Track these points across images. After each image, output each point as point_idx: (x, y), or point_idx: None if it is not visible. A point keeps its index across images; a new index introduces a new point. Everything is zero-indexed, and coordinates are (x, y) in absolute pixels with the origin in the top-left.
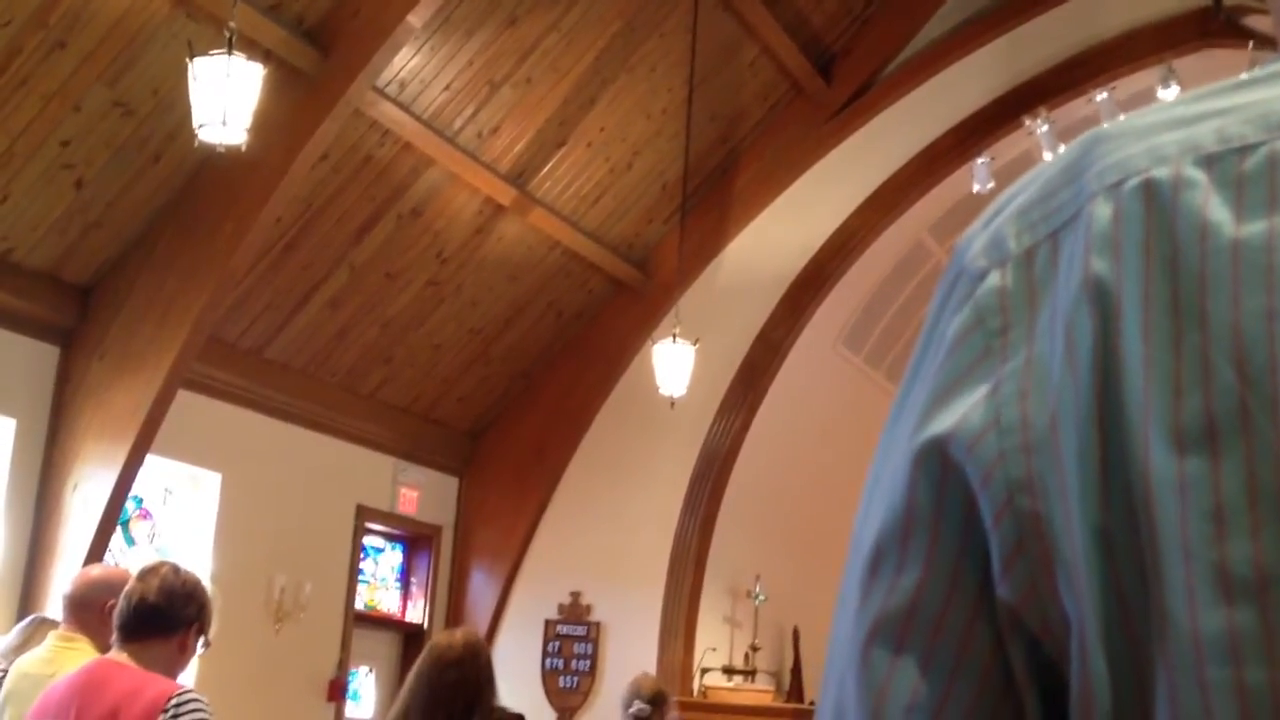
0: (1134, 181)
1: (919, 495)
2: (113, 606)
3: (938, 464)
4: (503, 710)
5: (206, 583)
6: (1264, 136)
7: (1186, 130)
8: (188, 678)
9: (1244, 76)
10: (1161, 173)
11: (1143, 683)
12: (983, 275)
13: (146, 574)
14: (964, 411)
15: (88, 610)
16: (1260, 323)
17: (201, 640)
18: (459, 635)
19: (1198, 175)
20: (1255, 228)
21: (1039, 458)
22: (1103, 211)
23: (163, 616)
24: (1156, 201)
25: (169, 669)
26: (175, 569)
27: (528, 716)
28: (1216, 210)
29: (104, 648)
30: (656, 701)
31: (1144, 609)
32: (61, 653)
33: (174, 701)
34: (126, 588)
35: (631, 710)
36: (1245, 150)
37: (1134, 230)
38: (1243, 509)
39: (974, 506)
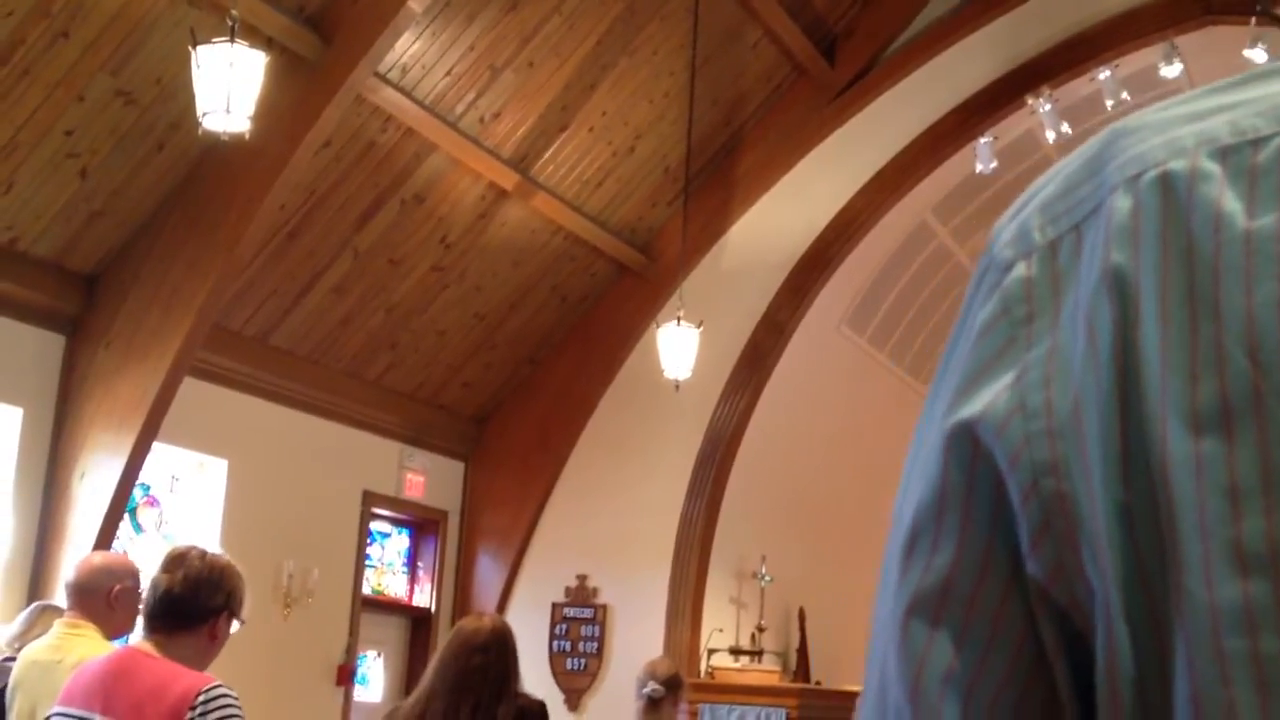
0: (1152, 174)
1: (951, 477)
2: (119, 592)
3: (968, 447)
4: (526, 696)
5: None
6: (1276, 129)
7: (1202, 124)
8: None
9: (1258, 70)
10: (1178, 165)
11: (1163, 651)
12: (1009, 266)
13: (173, 562)
14: (991, 397)
15: (92, 596)
16: (1272, 311)
17: (235, 622)
18: (487, 621)
19: (1212, 167)
20: (1267, 219)
21: (1063, 441)
22: (1122, 204)
23: (189, 607)
24: (1173, 194)
25: (198, 660)
26: (203, 555)
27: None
28: (1230, 202)
29: (109, 633)
30: (671, 684)
31: (1163, 582)
32: (68, 640)
33: (202, 697)
34: (153, 576)
35: (646, 690)
36: (1258, 142)
37: (1151, 222)
38: (1257, 488)
39: (1003, 488)
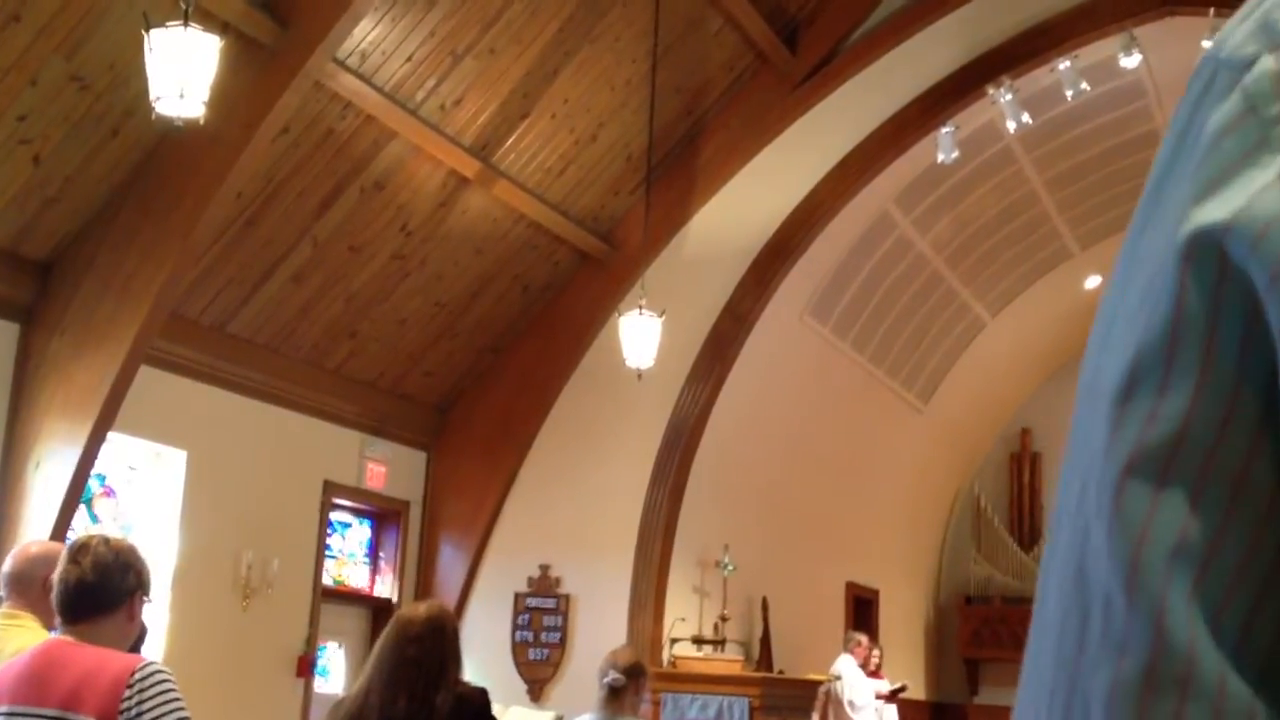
0: None
1: (1189, 300)
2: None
3: (1212, 264)
4: (466, 685)
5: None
6: None
7: None
8: (156, 655)
9: None
10: None
11: None
12: (1250, 63)
13: (77, 552)
14: (1244, 202)
15: (29, 586)
16: None
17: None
18: (423, 609)
19: None
20: None
21: None
22: None
23: (103, 594)
24: None
25: (121, 641)
26: (105, 540)
27: (498, 689)
28: None
29: (49, 623)
30: (632, 673)
31: None
32: (6, 630)
33: (138, 675)
34: (59, 570)
35: (607, 680)
36: None
37: None
38: None
39: (1257, 314)
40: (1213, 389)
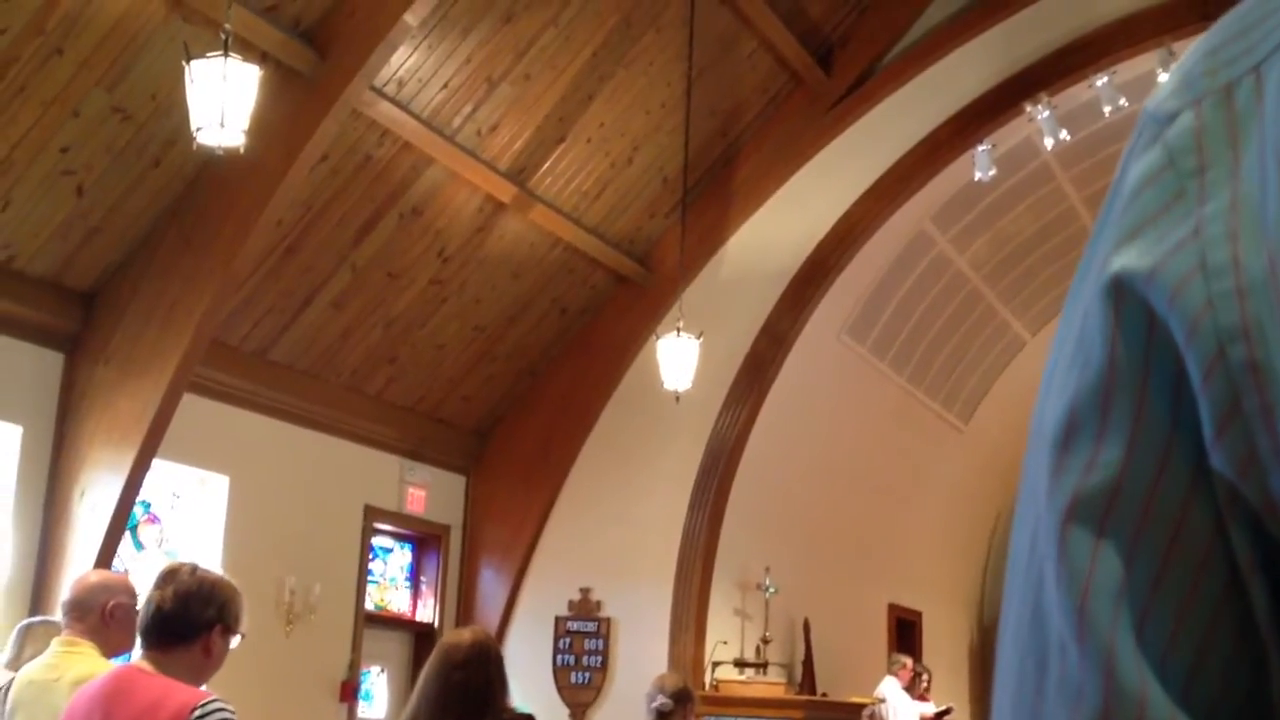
0: None
1: (1121, 349)
2: (114, 608)
3: (1142, 313)
4: (513, 711)
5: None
6: None
7: None
8: None
9: None
10: None
11: None
12: (1172, 117)
13: (165, 579)
14: (1161, 255)
15: (88, 613)
16: None
17: (234, 637)
18: (467, 634)
19: None
20: None
21: (1255, 300)
22: None
23: (180, 623)
24: None
25: (194, 675)
26: (194, 570)
27: (540, 714)
28: None
29: (107, 651)
30: (680, 698)
31: None
32: (65, 657)
33: (198, 712)
34: (147, 594)
35: (655, 705)
36: None
37: None
38: None
39: (1182, 364)
40: (1147, 437)
